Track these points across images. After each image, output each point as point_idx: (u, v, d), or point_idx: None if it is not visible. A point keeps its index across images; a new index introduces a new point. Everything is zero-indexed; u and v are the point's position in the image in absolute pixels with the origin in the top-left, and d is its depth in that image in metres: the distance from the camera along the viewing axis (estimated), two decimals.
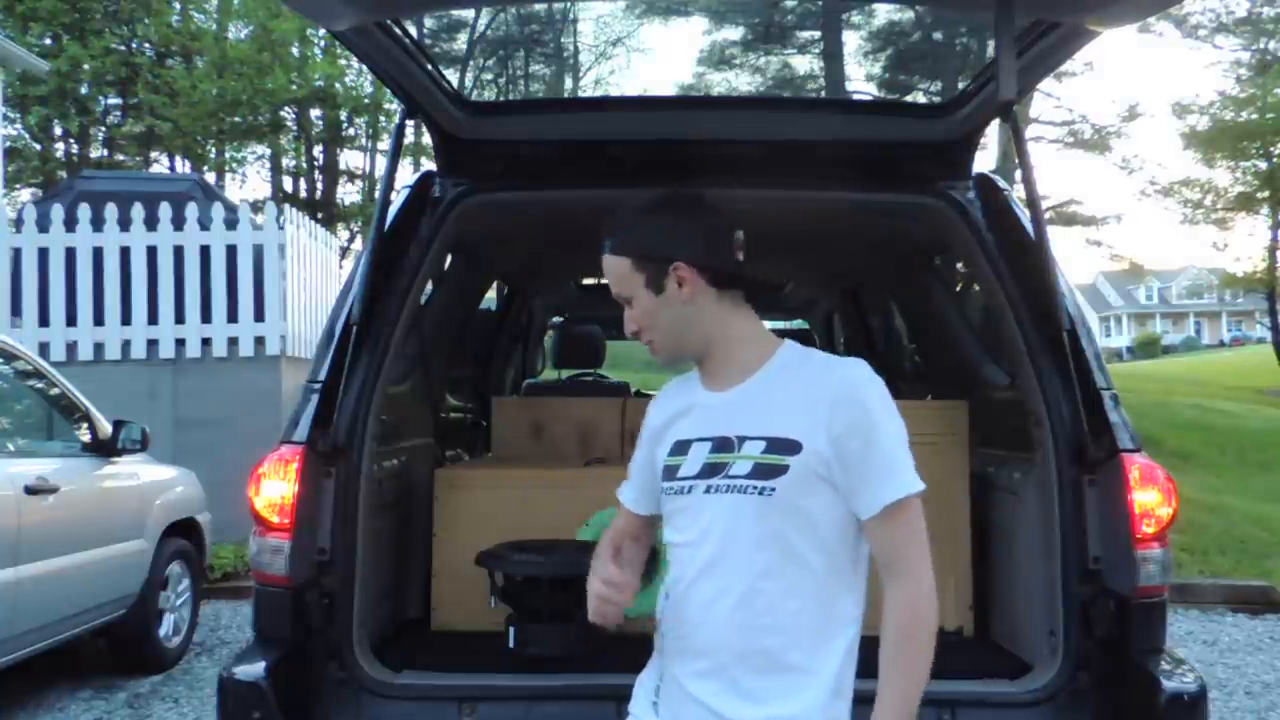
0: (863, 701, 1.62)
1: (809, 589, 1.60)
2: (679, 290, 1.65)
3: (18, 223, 8.25)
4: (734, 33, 23.72)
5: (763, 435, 1.61)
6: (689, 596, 1.64)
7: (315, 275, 9.17)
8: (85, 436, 5.19)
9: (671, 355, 1.70)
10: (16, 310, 8.20)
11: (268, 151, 22.67)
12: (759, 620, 1.59)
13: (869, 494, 1.59)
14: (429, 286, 3.60)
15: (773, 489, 1.58)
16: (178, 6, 20.56)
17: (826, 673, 1.60)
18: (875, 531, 1.61)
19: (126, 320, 8.22)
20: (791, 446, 1.58)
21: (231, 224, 8.32)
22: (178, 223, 8.19)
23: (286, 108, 20.60)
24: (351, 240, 21.50)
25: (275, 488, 2.53)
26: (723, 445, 1.64)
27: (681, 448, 1.68)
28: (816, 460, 1.58)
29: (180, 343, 8.23)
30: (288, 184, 23.78)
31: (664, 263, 1.65)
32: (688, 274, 1.65)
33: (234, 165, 22.96)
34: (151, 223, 8.18)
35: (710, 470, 1.64)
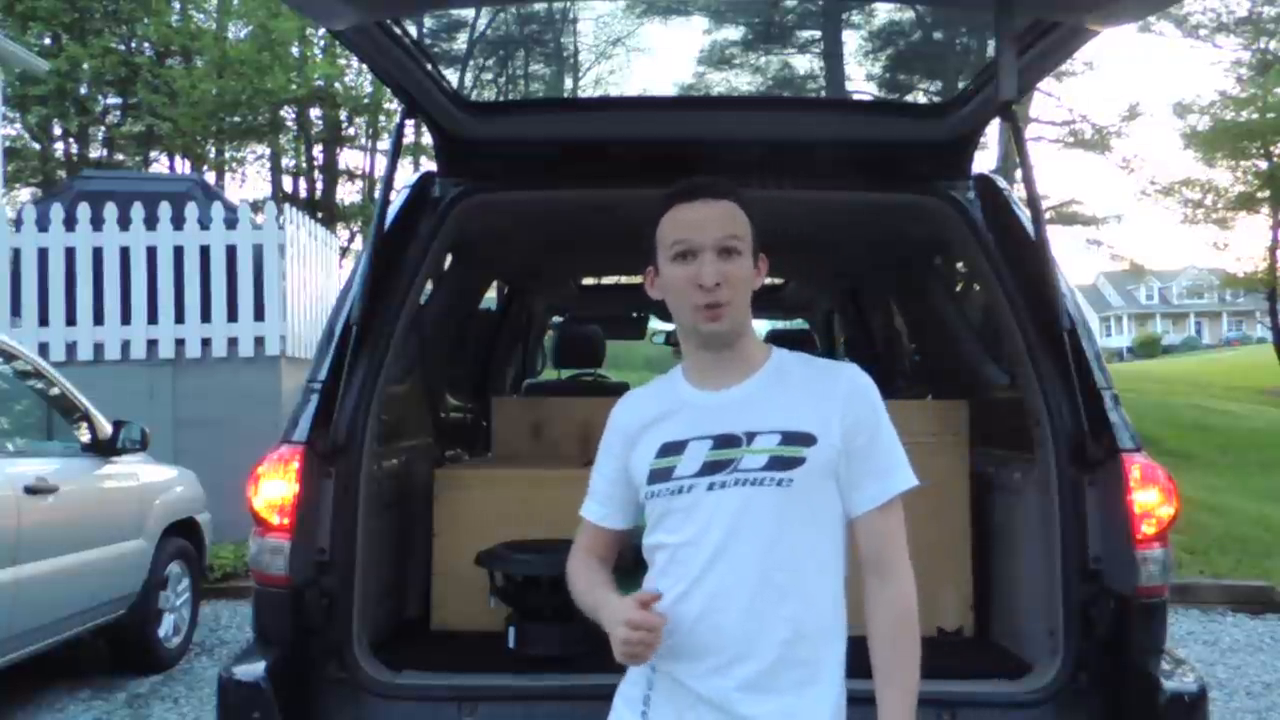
0: (855, 702, 1.64)
1: (821, 582, 1.63)
2: (756, 275, 1.71)
3: (17, 223, 8.24)
4: (734, 32, 23.71)
5: (776, 429, 1.63)
6: (692, 595, 1.62)
7: (315, 275, 9.16)
8: (85, 436, 5.19)
9: (734, 325, 1.67)
10: (16, 310, 8.19)
11: (268, 151, 22.70)
12: (776, 612, 1.60)
13: (875, 486, 1.64)
14: (429, 286, 3.60)
15: (790, 480, 1.61)
16: (178, 6, 20.57)
17: (834, 663, 1.64)
18: (871, 525, 1.65)
19: (126, 320, 8.20)
20: (807, 439, 1.62)
21: (231, 224, 8.30)
22: (177, 223, 8.18)
23: (286, 108, 20.62)
24: (351, 240, 21.51)
25: (275, 488, 2.52)
26: (727, 442, 1.64)
27: (673, 449, 1.67)
28: (830, 453, 1.63)
29: (180, 343, 8.21)
30: (288, 184, 23.79)
31: (757, 245, 1.71)
32: (763, 268, 1.73)
33: (234, 165, 23.02)
34: (151, 223, 8.17)
35: (712, 468, 1.63)
